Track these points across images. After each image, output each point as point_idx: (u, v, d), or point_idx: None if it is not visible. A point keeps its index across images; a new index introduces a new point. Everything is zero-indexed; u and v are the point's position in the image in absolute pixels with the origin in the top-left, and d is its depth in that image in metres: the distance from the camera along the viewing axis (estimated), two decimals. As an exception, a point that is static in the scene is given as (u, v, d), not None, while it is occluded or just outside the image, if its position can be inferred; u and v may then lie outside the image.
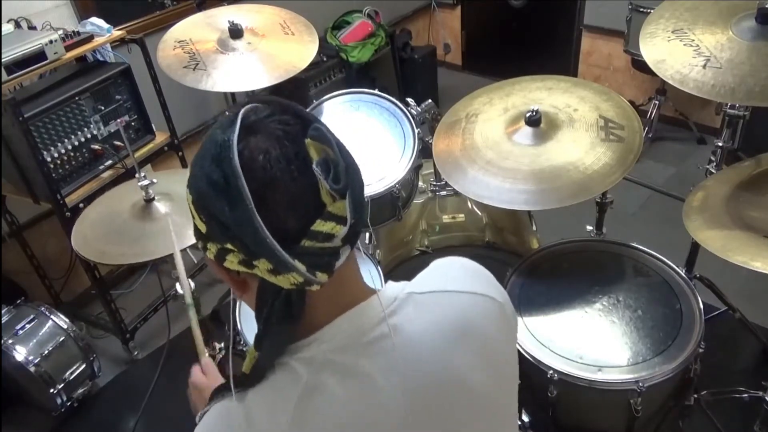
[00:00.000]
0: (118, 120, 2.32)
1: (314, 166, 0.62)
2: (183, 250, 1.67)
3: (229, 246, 0.65)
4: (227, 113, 0.69)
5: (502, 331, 0.79)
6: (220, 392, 0.72)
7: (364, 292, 0.73)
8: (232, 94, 3.11)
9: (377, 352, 0.69)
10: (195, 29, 2.16)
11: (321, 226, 0.63)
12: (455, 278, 0.80)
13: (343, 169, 0.62)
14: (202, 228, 0.67)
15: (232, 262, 0.66)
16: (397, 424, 0.68)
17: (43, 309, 2.33)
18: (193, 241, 1.79)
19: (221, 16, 2.19)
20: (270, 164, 0.62)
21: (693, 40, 1.59)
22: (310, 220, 0.63)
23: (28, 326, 2.25)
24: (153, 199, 1.71)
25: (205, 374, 1.03)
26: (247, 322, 1.66)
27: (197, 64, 2.01)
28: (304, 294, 0.66)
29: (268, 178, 0.62)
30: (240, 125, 0.64)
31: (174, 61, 2.02)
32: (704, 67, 1.53)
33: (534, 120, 1.61)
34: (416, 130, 1.86)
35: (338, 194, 0.62)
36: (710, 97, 1.49)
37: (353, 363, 0.68)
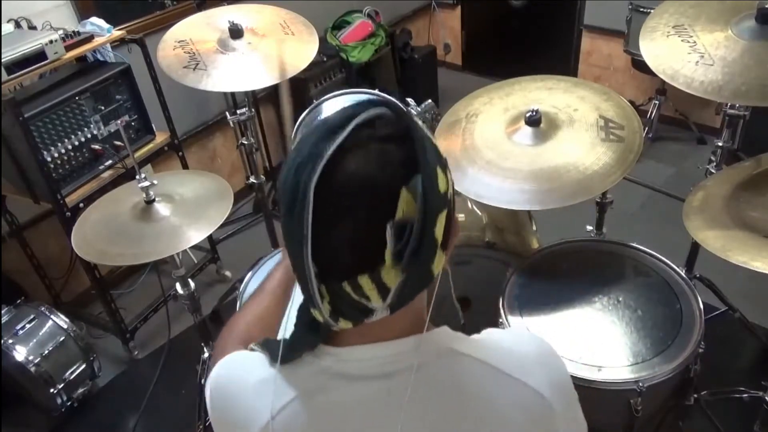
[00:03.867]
0: (118, 120, 2.33)
1: (389, 224, 0.56)
2: (183, 250, 1.67)
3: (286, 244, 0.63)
4: (357, 103, 0.61)
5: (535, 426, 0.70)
6: (259, 345, 0.73)
7: (414, 325, 0.67)
8: (233, 94, 3.11)
9: (385, 390, 0.65)
10: (195, 29, 2.16)
11: (365, 282, 0.58)
12: (510, 357, 0.71)
13: (411, 249, 0.56)
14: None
15: (287, 254, 0.64)
16: None
17: (43, 309, 2.32)
18: (194, 241, 1.78)
19: (221, 16, 2.19)
20: (350, 198, 0.56)
21: (691, 37, 1.60)
22: (361, 270, 0.58)
23: (28, 326, 2.25)
24: (153, 200, 1.71)
25: None
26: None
27: (197, 64, 2.01)
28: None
29: (341, 211, 0.57)
30: (347, 136, 0.57)
31: (174, 61, 2.02)
32: (696, 63, 1.53)
33: (534, 120, 1.61)
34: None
35: (396, 267, 0.57)
36: (697, 93, 1.50)
37: (356, 392, 0.66)
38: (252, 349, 0.74)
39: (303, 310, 0.68)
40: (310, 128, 0.62)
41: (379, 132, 0.58)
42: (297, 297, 0.66)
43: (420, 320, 0.68)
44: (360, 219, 0.57)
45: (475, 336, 0.73)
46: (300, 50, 2.12)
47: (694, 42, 1.58)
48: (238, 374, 0.73)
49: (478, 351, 0.69)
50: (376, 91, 0.63)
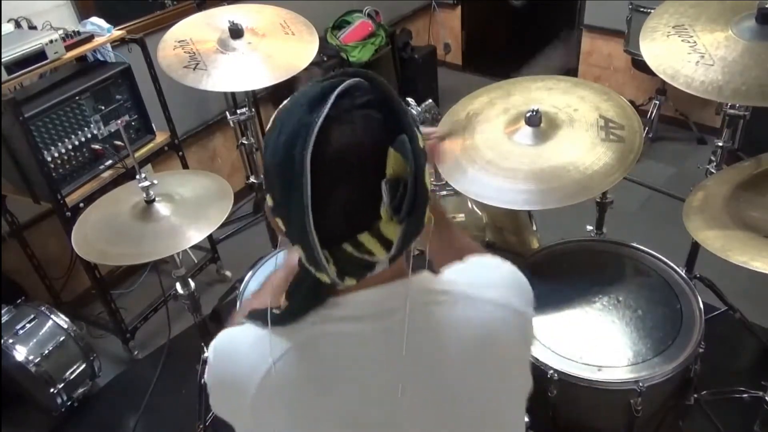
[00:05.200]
0: (119, 120, 2.32)
1: (383, 182, 0.60)
2: (183, 250, 1.67)
3: (279, 217, 0.66)
4: (331, 76, 0.65)
5: (521, 347, 0.79)
6: (248, 317, 0.75)
7: (398, 270, 0.71)
8: (233, 94, 3.11)
9: (386, 327, 0.70)
10: (195, 29, 2.16)
11: (367, 239, 0.62)
12: (486, 284, 0.77)
13: (409, 201, 0.60)
14: (264, 182, 0.68)
15: (279, 225, 0.67)
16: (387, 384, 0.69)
17: (43, 309, 2.32)
18: (194, 241, 1.78)
19: (221, 16, 2.19)
20: (342, 165, 0.60)
21: (691, 37, 1.60)
22: (359, 229, 0.62)
23: (28, 326, 2.25)
24: (153, 200, 1.71)
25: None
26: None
27: (197, 64, 2.01)
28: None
29: (336, 178, 0.60)
30: (330, 106, 0.60)
31: (174, 61, 2.02)
32: (696, 63, 1.53)
33: (534, 120, 1.61)
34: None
35: (395, 219, 0.61)
36: (698, 93, 1.50)
37: (357, 329, 0.70)
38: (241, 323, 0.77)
39: (300, 280, 0.70)
40: (287, 105, 0.65)
41: (359, 100, 0.62)
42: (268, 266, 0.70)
43: (401, 268, 0.72)
44: (354, 183, 0.61)
45: (451, 273, 0.79)
46: (300, 50, 2.12)
47: (695, 42, 1.58)
48: (236, 336, 0.76)
49: (456, 284, 0.76)
50: (348, 68, 0.65)
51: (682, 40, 1.60)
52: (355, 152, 0.60)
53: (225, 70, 2.02)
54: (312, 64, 2.12)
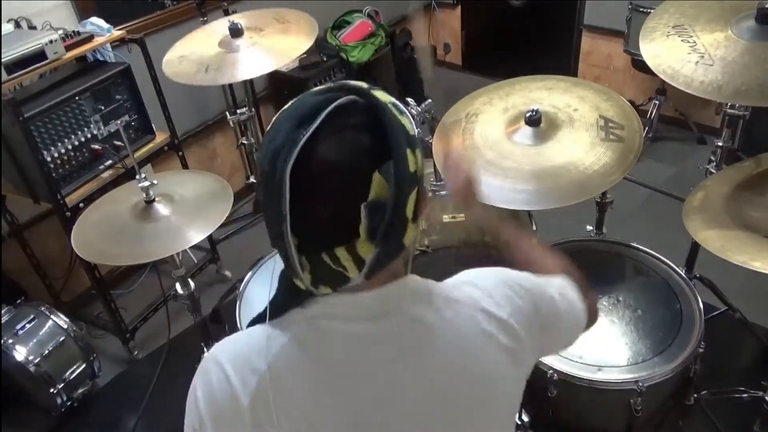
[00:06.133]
0: (118, 120, 2.32)
1: (363, 205, 0.60)
2: (183, 250, 1.67)
3: (264, 217, 0.67)
4: (329, 89, 0.65)
5: (507, 359, 0.76)
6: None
7: (394, 272, 0.72)
8: (233, 94, 3.12)
9: (378, 329, 0.70)
10: (196, 41, 2.24)
11: (342, 254, 0.63)
12: (479, 291, 0.77)
13: (385, 228, 0.61)
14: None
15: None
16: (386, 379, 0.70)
17: (43, 309, 2.32)
18: (194, 241, 1.78)
19: (219, 24, 2.26)
20: (322, 183, 0.61)
21: (691, 37, 1.60)
22: (338, 242, 0.63)
23: (28, 326, 2.25)
24: (153, 200, 1.71)
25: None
26: (247, 321, 1.65)
27: (207, 67, 2.05)
28: None
29: (315, 195, 0.61)
30: (319, 124, 0.61)
31: (185, 70, 2.08)
32: (696, 63, 1.53)
33: (534, 120, 1.61)
34: (416, 130, 1.85)
35: (370, 242, 0.62)
36: (697, 93, 1.50)
37: (349, 328, 0.70)
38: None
39: (284, 276, 0.71)
40: (284, 114, 0.65)
41: (351, 120, 0.62)
42: (277, 264, 0.70)
43: (398, 271, 0.72)
44: (335, 200, 0.61)
45: (452, 278, 0.80)
46: (299, 34, 2.18)
47: (694, 42, 1.58)
48: (228, 344, 0.76)
49: (450, 289, 0.76)
50: (349, 81, 0.65)
51: (682, 40, 1.60)
52: (339, 171, 0.61)
53: (234, 63, 2.07)
54: (312, 64, 2.13)
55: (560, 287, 0.85)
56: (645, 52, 1.62)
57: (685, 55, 1.56)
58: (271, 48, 2.15)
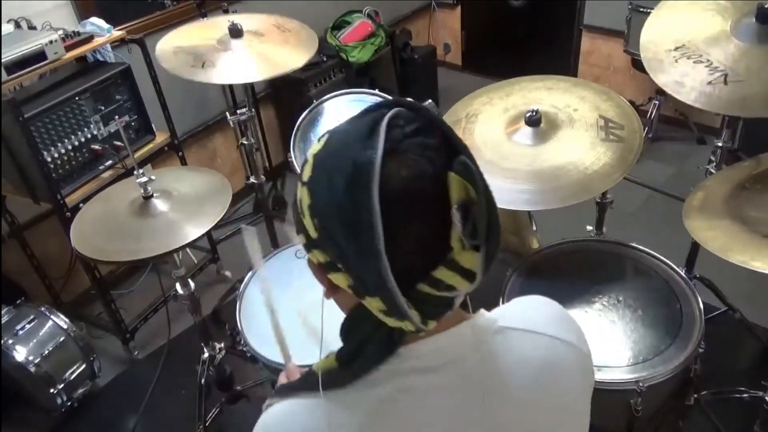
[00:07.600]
0: (118, 120, 2.32)
1: (454, 208, 0.55)
2: (183, 250, 1.67)
3: (342, 271, 0.60)
4: (365, 111, 0.60)
5: (582, 382, 0.77)
6: (292, 389, 0.68)
7: (458, 314, 0.68)
8: (233, 94, 3.12)
9: (462, 374, 0.66)
10: (194, 34, 2.19)
11: (443, 274, 0.57)
12: (543, 321, 0.75)
13: (485, 225, 0.56)
14: (313, 234, 0.60)
15: (339, 280, 0.62)
16: None
17: (43, 309, 2.32)
18: (193, 238, 1.77)
19: (219, 22, 2.22)
20: (410, 199, 0.55)
21: (701, 55, 1.58)
22: (432, 265, 0.57)
23: (28, 326, 2.25)
24: (151, 196, 1.71)
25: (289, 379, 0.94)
26: (247, 321, 1.65)
27: (204, 63, 2.03)
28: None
29: (404, 216, 0.55)
30: (383, 141, 0.55)
31: (179, 63, 2.04)
32: (725, 82, 1.51)
33: (534, 120, 1.61)
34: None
35: (472, 247, 0.56)
36: (698, 105, 1.50)
37: (435, 381, 0.65)
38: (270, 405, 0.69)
39: (366, 335, 0.64)
40: (329, 148, 0.60)
41: (408, 128, 0.58)
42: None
43: (459, 312, 0.68)
44: (423, 216, 0.56)
45: (507, 309, 0.77)
46: (299, 43, 2.14)
47: (708, 60, 1.58)
48: (287, 412, 0.68)
49: (522, 322, 0.72)
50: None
51: (694, 62, 1.59)
52: (421, 183, 0.56)
53: (228, 63, 2.04)
54: (312, 64, 2.13)
55: None
56: (668, 88, 1.62)
57: (706, 75, 1.54)
58: (267, 56, 2.10)
